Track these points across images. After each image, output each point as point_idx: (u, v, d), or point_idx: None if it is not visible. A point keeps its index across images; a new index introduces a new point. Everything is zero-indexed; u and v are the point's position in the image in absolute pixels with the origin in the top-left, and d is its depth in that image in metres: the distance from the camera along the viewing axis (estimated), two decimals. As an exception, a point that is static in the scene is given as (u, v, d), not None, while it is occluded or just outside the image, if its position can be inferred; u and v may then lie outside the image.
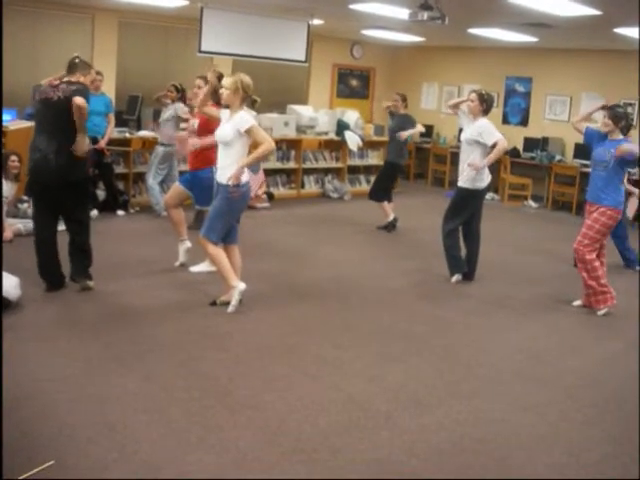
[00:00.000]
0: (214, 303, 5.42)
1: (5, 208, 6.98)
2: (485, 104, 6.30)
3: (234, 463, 3.21)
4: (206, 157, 6.00)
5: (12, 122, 8.23)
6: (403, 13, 7.99)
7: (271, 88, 11.77)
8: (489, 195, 10.62)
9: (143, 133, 9.48)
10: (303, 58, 10.35)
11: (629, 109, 5.99)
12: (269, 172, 10.30)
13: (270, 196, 10.18)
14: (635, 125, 6.00)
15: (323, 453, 3.34)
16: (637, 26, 7.84)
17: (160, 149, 8.40)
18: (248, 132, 5.08)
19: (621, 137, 5.75)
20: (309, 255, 7.36)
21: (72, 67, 5.33)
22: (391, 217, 8.83)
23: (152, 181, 8.45)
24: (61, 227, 5.65)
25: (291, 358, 4.52)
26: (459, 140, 6.76)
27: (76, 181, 5.34)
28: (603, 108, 5.89)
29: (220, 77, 5.78)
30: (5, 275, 4.92)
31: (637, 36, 8.45)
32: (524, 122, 12.68)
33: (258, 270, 6.32)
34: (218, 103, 5.59)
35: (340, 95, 13.92)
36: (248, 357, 4.49)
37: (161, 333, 4.82)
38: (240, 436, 3.45)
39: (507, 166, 11.79)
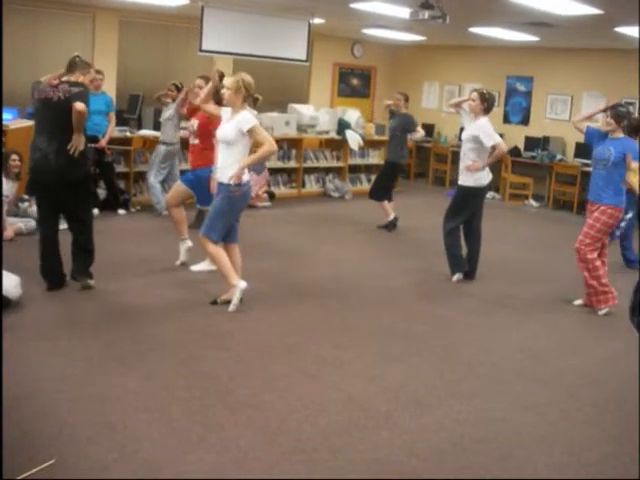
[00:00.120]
0: (215, 302, 5.42)
1: (6, 207, 6.98)
2: (486, 103, 6.30)
3: (234, 462, 3.21)
4: (208, 156, 6.00)
5: (13, 121, 8.23)
6: (404, 12, 7.98)
7: (272, 87, 11.76)
8: (490, 194, 10.61)
9: (144, 132, 9.48)
10: (304, 57, 10.35)
11: (630, 108, 5.97)
12: (270, 171, 10.28)
13: (271, 195, 10.17)
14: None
15: (323, 453, 3.34)
16: (637, 25, 7.83)
17: (162, 148, 8.40)
18: (250, 132, 5.08)
19: (622, 136, 5.74)
20: (310, 254, 7.36)
21: (72, 66, 5.33)
22: (392, 216, 8.82)
23: (153, 180, 8.45)
24: (63, 226, 5.66)
25: (291, 358, 4.52)
26: (460, 139, 6.76)
27: (77, 180, 5.35)
28: (604, 110, 5.89)
29: (221, 77, 5.78)
30: (6, 274, 4.92)
31: (637, 35, 8.43)
32: (525, 121, 12.67)
33: (258, 269, 6.32)
34: (219, 103, 5.59)
35: (341, 94, 13.91)
36: (249, 356, 4.49)
37: (162, 332, 4.82)
38: (240, 435, 3.45)
39: (508, 165, 11.79)
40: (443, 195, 11.13)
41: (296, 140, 10.79)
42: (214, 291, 5.56)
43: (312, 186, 11.28)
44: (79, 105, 5.04)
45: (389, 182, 8.97)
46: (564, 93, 12.03)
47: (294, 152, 10.83)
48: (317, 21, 10.24)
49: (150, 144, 9.29)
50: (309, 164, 11.09)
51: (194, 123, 6.16)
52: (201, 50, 9.30)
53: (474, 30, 10.18)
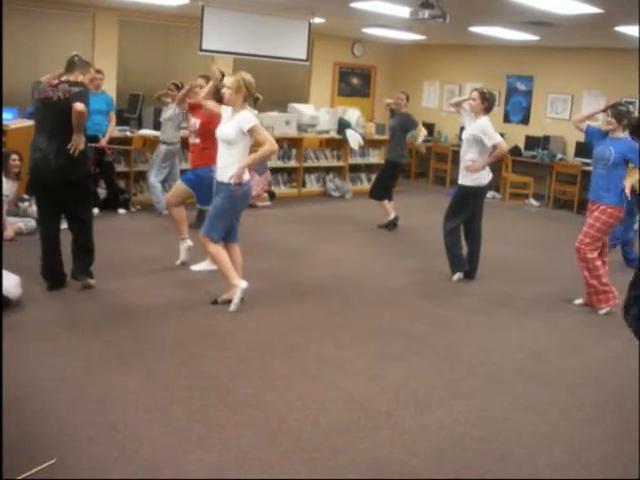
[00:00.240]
0: (215, 302, 5.42)
1: (6, 207, 6.98)
2: (487, 103, 6.30)
3: (235, 462, 3.21)
4: (208, 155, 5.99)
5: (13, 121, 8.23)
6: (404, 11, 7.98)
7: (272, 87, 11.75)
8: (490, 194, 10.61)
9: (144, 132, 9.48)
10: (304, 56, 10.35)
11: (630, 107, 5.97)
12: (270, 171, 10.27)
13: (271, 195, 10.17)
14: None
15: (324, 452, 3.34)
16: (637, 24, 7.83)
17: (162, 147, 8.40)
18: (250, 132, 5.08)
19: (622, 135, 5.74)
20: (310, 254, 7.36)
21: (71, 66, 5.32)
22: (392, 216, 8.82)
23: (154, 179, 8.45)
24: (63, 226, 5.66)
25: (292, 357, 4.52)
26: (460, 138, 6.76)
27: (77, 180, 5.35)
28: (604, 110, 5.88)
29: (222, 76, 5.77)
30: (6, 274, 4.92)
31: (638, 34, 8.43)
32: (525, 120, 12.67)
33: (259, 269, 6.32)
34: (219, 101, 5.59)
35: (341, 93, 13.91)
36: (249, 356, 4.49)
37: (162, 332, 4.82)
38: (241, 435, 3.45)
39: (508, 165, 11.78)
40: (443, 195, 11.12)
41: (296, 140, 10.78)
42: (214, 291, 5.56)
43: (312, 185, 11.28)
44: (79, 105, 5.04)
45: (389, 181, 8.97)
46: (564, 92, 12.02)
47: (294, 151, 10.83)
48: (317, 20, 10.24)
49: (150, 143, 9.29)
50: (309, 163, 11.08)
51: (196, 122, 6.15)
52: (201, 50, 9.30)
53: (474, 29, 10.17)
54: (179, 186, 6.39)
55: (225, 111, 5.29)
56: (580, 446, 3.59)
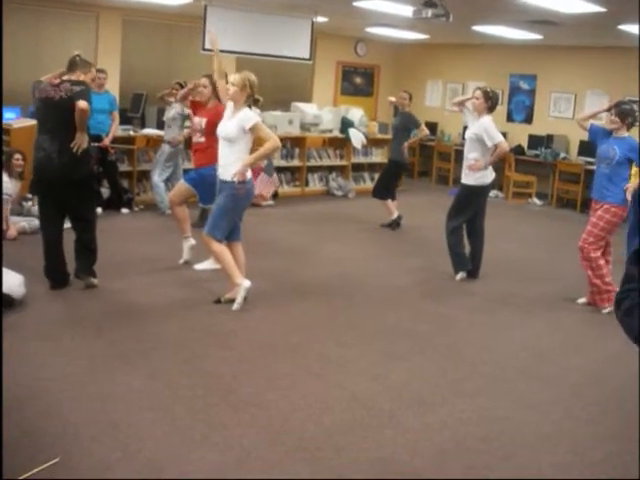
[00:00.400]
0: (218, 301, 5.42)
1: (9, 206, 6.99)
2: (490, 102, 6.29)
3: (237, 461, 3.21)
4: (211, 155, 5.98)
5: (16, 120, 8.24)
6: (407, 10, 7.97)
7: (275, 86, 11.76)
8: (493, 193, 10.60)
9: (147, 131, 9.49)
10: (307, 56, 10.34)
11: (634, 106, 5.96)
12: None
13: (274, 194, 10.17)
14: (637, 123, 5.95)
15: (326, 452, 3.34)
16: (638, 23, 7.82)
17: (166, 147, 8.41)
18: (252, 129, 5.08)
19: (626, 134, 5.73)
20: (313, 253, 7.36)
21: (73, 65, 5.32)
22: (395, 215, 8.82)
23: (157, 179, 8.46)
24: (67, 225, 5.67)
25: (295, 356, 4.52)
26: (463, 138, 6.76)
27: (80, 179, 5.35)
28: (609, 110, 5.87)
29: (225, 75, 5.77)
30: (10, 273, 4.93)
31: (638, 33, 8.42)
32: (528, 120, 12.65)
33: (262, 268, 6.32)
34: (217, 99, 5.59)
35: (344, 93, 13.90)
36: (252, 355, 4.49)
37: (165, 331, 4.82)
38: (244, 434, 3.45)
39: (511, 164, 11.77)
40: (446, 194, 11.09)
41: (299, 139, 10.78)
42: (218, 290, 5.57)
43: (315, 185, 11.28)
44: (82, 103, 5.04)
45: (392, 181, 8.96)
46: (568, 91, 12.00)
47: (297, 151, 10.82)
48: (320, 19, 10.24)
49: (153, 143, 9.29)
50: (312, 163, 11.08)
51: (201, 121, 6.13)
52: (204, 49, 9.29)
53: (477, 28, 10.16)
54: (182, 185, 6.40)
55: (227, 109, 5.29)
56: (583, 445, 3.59)
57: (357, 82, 14.17)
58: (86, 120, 5.17)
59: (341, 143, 11.33)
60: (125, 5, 10.03)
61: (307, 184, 11.13)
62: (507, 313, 5.79)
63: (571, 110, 11.96)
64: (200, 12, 9.17)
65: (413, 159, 12.83)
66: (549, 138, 11.95)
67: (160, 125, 9.18)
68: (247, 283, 5.29)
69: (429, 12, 7.30)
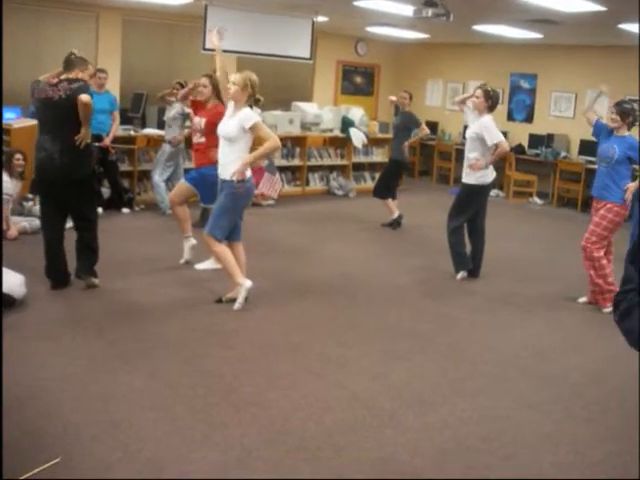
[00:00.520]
0: (219, 300, 5.42)
1: (10, 206, 6.99)
2: (490, 101, 6.29)
3: (238, 461, 3.21)
4: (211, 154, 5.99)
5: (16, 120, 8.24)
6: (408, 10, 7.97)
7: (275, 85, 11.75)
8: (494, 192, 10.60)
9: (148, 131, 9.49)
10: (307, 55, 10.34)
11: (634, 105, 5.96)
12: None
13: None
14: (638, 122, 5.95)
15: (327, 451, 3.34)
16: (638, 23, 7.82)
17: (167, 147, 8.41)
18: (252, 129, 5.08)
19: (627, 133, 5.73)
20: (314, 252, 7.36)
21: (69, 64, 5.30)
22: (396, 214, 8.82)
23: (158, 178, 8.46)
24: (68, 225, 5.67)
25: (296, 356, 4.52)
26: (464, 137, 6.76)
27: (81, 179, 5.35)
28: (612, 104, 5.86)
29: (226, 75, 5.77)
30: (10, 273, 4.94)
31: (638, 32, 8.42)
32: (529, 119, 12.65)
33: (263, 267, 6.32)
34: (220, 100, 5.58)
35: (345, 92, 13.90)
36: (253, 355, 4.49)
37: (166, 330, 4.83)
38: (245, 434, 3.45)
39: (512, 163, 11.77)
40: (447, 193, 11.10)
41: (300, 138, 10.78)
42: (219, 289, 5.57)
43: (316, 184, 11.28)
44: (84, 97, 5.03)
45: (393, 180, 8.97)
46: (568, 90, 12.00)
47: (298, 150, 10.82)
48: (321, 19, 10.24)
49: (154, 143, 9.29)
50: (313, 162, 11.08)
51: (201, 121, 6.14)
52: (204, 49, 9.29)
53: (478, 28, 10.16)
54: (182, 185, 6.40)
55: (228, 108, 5.29)
56: (584, 445, 3.59)
57: (357, 81, 14.16)
58: (90, 114, 5.16)
59: (342, 142, 11.32)
60: (125, 5, 10.02)
61: (308, 183, 11.13)
62: (508, 312, 5.79)
63: (571, 109, 11.95)
64: (201, 12, 9.17)
65: (414, 158, 12.83)
66: (550, 137, 11.94)
67: (161, 125, 9.18)
68: (248, 283, 5.29)
69: (429, 11, 7.30)
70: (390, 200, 8.85)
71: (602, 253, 5.79)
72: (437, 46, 13.51)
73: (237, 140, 5.12)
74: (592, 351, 5.04)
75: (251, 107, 5.23)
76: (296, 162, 10.86)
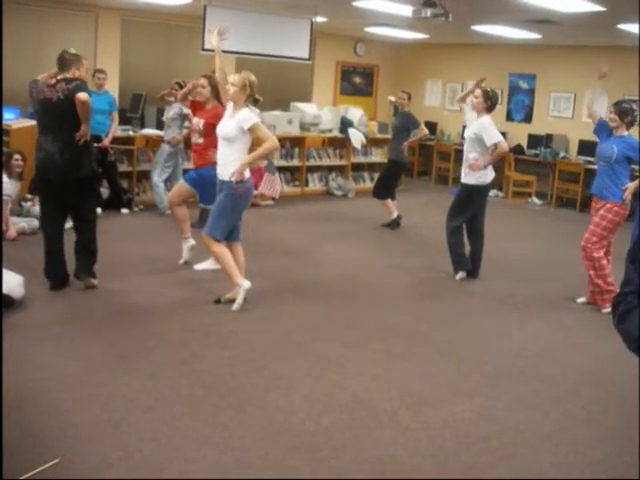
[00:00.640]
0: (218, 301, 5.42)
1: (9, 206, 6.99)
2: (489, 101, 6.29)
3: (238, 461, 3.21)
4: (210, 155, 5.99)
5: (15, 121, 8.24)
6: (407, 10, 7.97)
7: (274, 86, 11.75)
8: (493, 192, 10.58)
9: (146, 131, 9.49)
10: (306, 56, 10.34)
11: (633, 105, 5.96)
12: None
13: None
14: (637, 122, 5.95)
15: (327, 451, 3.34)
16: (638, 22, 7.82)
17: (166, 147, 8.41)
18: (251, 130, 5.08)
19: (626, 133, 5.73)
20: (313, 253, 7.36)
21: (64, 63, 5.27)
22: (395, 215, 8.82)
23: (157, 179, 8.46)
24: (68, 225, 5.67)
25: (295, 356, 4.52)
26: (463, 137, 6.76)
27: (81, 178, 5.34)
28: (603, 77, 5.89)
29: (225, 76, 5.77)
30: (9, 274, 4.93)
31: (638, 32, 8.42)
32: (528, 119, 12.65)
33: (262, 268, 6.32)
34: (218, 99, 5.57)
35: (344, 92, 13.90)
36: (252, 355, 4.49)
37: (165, 331, 4.82)
38: (244, 434, 3.45)
39: (511, 163, 11.77)
40: (446, 193, 11.09)
41: (299, 139, 10.78)
42: (217, 290, 5.56)
43: (315, 185, 11.28)
44: (82, 95, 5.03)
45: (392, 180, 8.97)
46: (567, 91, 12.00)
47: (297, 151, 10.82)
48: (320, 19, 10.24)
49: (153, 143, 9.29)
50: (312, 163, 11.08)
51: (199, 122, 6.14)
52: (203, 49, 9.29)
53: (477, 28, 10.17)
54: (181, 185, 6.40)
55: (227, 109, 5.29)
56: (584, 445, 3.58)
57: (356, 82, 14.16)
58: (89, 112, 5.15)
59: (341, 143, 11.33)
60: (124, 5, 10.02)
61: (307, 184, 11.13)
62: (507, 312, 5.79)
63: (570, 109, 11.96)
64: (199, 12, 9.17)
65: (413, 159, 12.84)
66: (548, 137, 11.95)
67: (160, 125, 9.18)
68: (247, 283, 5.29)
69: (428, 12, 7.30)
70: (389, 200, 8.85)
71: (602, 253, 5.79)
72: (436, 46, 13.51)
73: (236, 141, 5.12)
74: (592, 351, 5.03)
75: (247, 107, 5.23)
76: (295, 162, 10.86)
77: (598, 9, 7.37)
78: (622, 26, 8.51)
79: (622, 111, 5.69)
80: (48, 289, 5.46)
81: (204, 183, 6.09)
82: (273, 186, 9.21)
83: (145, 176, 9.16)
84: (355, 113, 11.42)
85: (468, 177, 6.38)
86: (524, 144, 12.24)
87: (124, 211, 8.66)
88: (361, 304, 5.74)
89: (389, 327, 5.22)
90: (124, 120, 9.40)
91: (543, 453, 3.46)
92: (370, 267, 6.94)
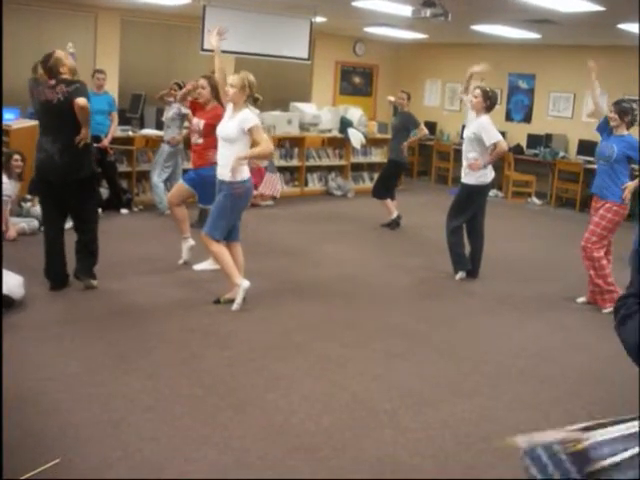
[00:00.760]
0: (218, 301, 5.42)
1: (9, 207, 6.98)
2: (489, 101, 6.30)
3: (238, 461, 3.21)
4: (210, 156, 5.99)
5: (15, 121, 8.23)
6: (406, 10, 7.97)
7: (274, 86, 11.75)
8: (492, 192, 10.57)
9: (146, 131, 9.49)
10: (306, 56, 10.34)
11: (633, 105, 5.96)
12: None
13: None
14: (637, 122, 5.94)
15: (327, 451, 3.34)
16: (638, 22, 7.82)
17: (165, 147, 8.41)
18: (250, 131, 5.08)
19: (626, 133, 5.73)
20: (312, 253, 7.36)
21: (54, 66, 5.17)
22: (394, 215, 8.82)
23: (157, 179, 8.46)
24: (68, 225, 5.67)
25: (294, 356, 4.52)
26: (462, 137, 6.76)
27: (81, 179, 5.33)
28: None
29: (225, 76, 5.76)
30: (9, 274, 4.93)
31: (638, 32, 8.43)
32: (527, 119, 12.66)
33: (261, 268, 6.32)
34: (218, 100, 5.57)
35: (343, 92, 13.90)
36: (251, 355, 4.49)
37: (165, 331, 4.82)
38: (244, 434, 3.45)
39: (511, 163, 11.78)
40: (446, 193, 11.09)
41: (298, 139, 10.78)
42: (217, 290, 5.56)
43: (315, 185, 11.27)
44: (80, 101, 5.02)
45: (392, 180, 8.97)
46: (566, 90, 12.00)
47: (296, 151, 10.82)
48: (319, 19, 10.24)
49: (152, 143, 9.29)
50: (311, 163, 11.08)
51: (199, 122, 6.14)
52: (203, 49, 9.29)
53: (476, 28, 10.17)
54: (180, 185, 6.40)
55: (227, 110, 5.29)
56: (584, 445, 3.58)
57: (356, 82, 14.16)
58: (88, 116, 5.15)
59: (340, 143, 11.33)
60: (124, 5, 10.02)
61: (306, 184, 11.13)
62: (507, 312, 5.79)
63: (570, 109, 11.96)
64: (199, 12, 9.17)
65: (412, 159, 12.84)
66: (548, 137, 11.95)
67: (159, 125, 9.18)
68: (246, 283, 5.29)
69: (428, 12, 7.31)
70: (389, 200, 8.85)
71: (602, 253, 5.78)
72: (435, 46, 13.51)
73: (236, 141, 5.12)
74: (592, 351, 5.04)
75: (247, 106, 5.22)
76: (295, 162, 10.86)
77: (598, 9, 7.37)
78: (622, 26, 8.51)
79: (622, 110, 5.70)
80: (48, 289, 5.46)
81: (203, 183, 6.09)
82: (274, 186, 9.22)
83: (144, 176, 9.16)
84: (354, 113, 11.42)
85: (468, 177, 6.38)
86: (523, 144, 12.25)
87: (123, 211, 8.66)
88: (361, 304, 5.74)
89: (389, 327, 5.22)
90: (123, 120, 9.40)
91: (543, 453, 3.46)
92: (370, 267, 6.94)
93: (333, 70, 13.64)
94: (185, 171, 7.71)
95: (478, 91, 6.32)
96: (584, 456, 1.54)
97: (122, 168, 9.02)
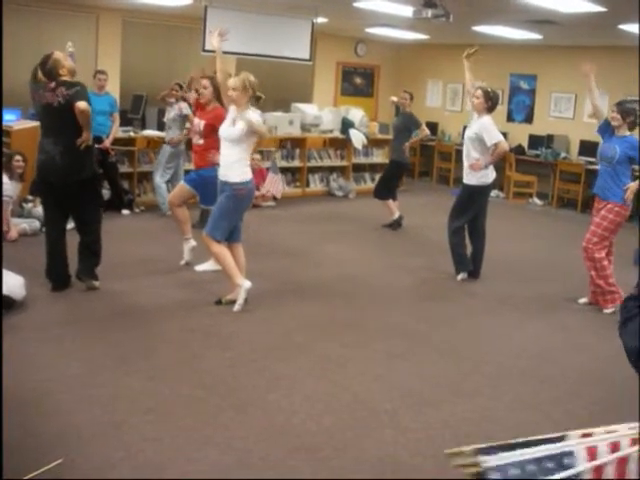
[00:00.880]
0: (219, 302, 5.42)
1: (10, 208, 6.99)
2: (490, 102, 6.30)
3: (239, 462, 3.22)
4: (211, 156, 6.00)
5: (17, 122, 8.24)
6: (407, 11, 7.97)
7: (275, 86, 11.75)
8: (494, 193, 10.59)
9: (147, 132, 9.50)
10: (307, 56, 10.33)
11: (636, 106, 5.95)
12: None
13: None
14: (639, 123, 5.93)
15: (328, 451, 3.34)
16: (638, 23, 7.82)
17: (167, 148, 8.42)
18: (250, 121, 5.05)
19: (628, 134, 5.73)
20: (314, 253, 7.36)
21: (53, 71, 5.20)
22: (396, 215, 8.82)
23: (159, 180, 8.47)
24: (70, 226, 5.68)
25: (296, 357, 4.52)
26: (463, 137, 6.76)
27: (83, 179, 5.34)
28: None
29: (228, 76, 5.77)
30: (10, 275, 4.94)
31: (638, 33, 8.42)
32: (529, 119, 12.65)
33: (263, 269, 6.32)
34: (220, 102, 5.57)
35: (344, 93, 13.90)
36: (253, 356, 4.49)
37: (166, 332, 4.83)
38: (245, 435, 3.46)
39: (512, 164, 11.77)
40: (447, 194, 11.09)
41: (300, 139, 10.79)
42: (218, 291, 5.57)
43: (316, 185, 11.28)
44: (81, 104, 5.02)
45: (393, 181, 8.97)
46: (568, 91, 12.00)
47: (298, 151, 10.83)
48: (320, 20, 10.23)
49: (154, 144, 9.30)
50: (313, 163, 11.09)
51: (200, 123, 6.15)
52: (204, 50, 9.29)
53: (477, 28, 10.16)
54: (182, 186, 6.41)
55: (230, 111, 5.29)
56: (584, 445, 3.58)
57: (357, 82, 14.16)
58: (89, 119, 5.15)
59: (342, 144, 11.33)
60: (125, 6, 10.03)
61: (308, 185, 11.13)
62: (508, 313, 5.79)
63: (571, 110, 11.95)
64: (200, 13, 9.17)
65: (414, 159, 12.82)
66: (549, 138, 11.95)
67: (160, 126, 9.19)
68: (248, 284, 5.29)
69: (429, 12, 7.30)
70: (390, 201, 8.85)
71: (603, 254, 5.78)
72: (437, 47, 13.51)
73: (239, 142, 5.13)
74: (592, 351, 5.04)
75: (249, 107, 5.23)
76: (296, 163, 10.86)
77: (599, 9, 7.37)
78: (622, 26, 8.50)
79: (625, 111, 5.69)
80: (49, 290, 5.47)
81: (204, 184, 6.11)
82: (276, 186, 9.23)
83: (146, 177, 9.17)
84: (356, 114, 11.42)
85: (470, 177, 6.38)
86: (525, 144, 12.24)
87: (125, 212, 8.67)
88: (362, 304, 5.74)
89: (390, 327, 5.23)
90: (125, 121, 9.40)
91: (544, 453, 3.46)
92: (371, 267, 6.95)
93: (334, 71, 13.64)
94: (187, 172, 7.72)
95: (480, 92, 6.33)
96: None
97: (123, 169, 9.03)
